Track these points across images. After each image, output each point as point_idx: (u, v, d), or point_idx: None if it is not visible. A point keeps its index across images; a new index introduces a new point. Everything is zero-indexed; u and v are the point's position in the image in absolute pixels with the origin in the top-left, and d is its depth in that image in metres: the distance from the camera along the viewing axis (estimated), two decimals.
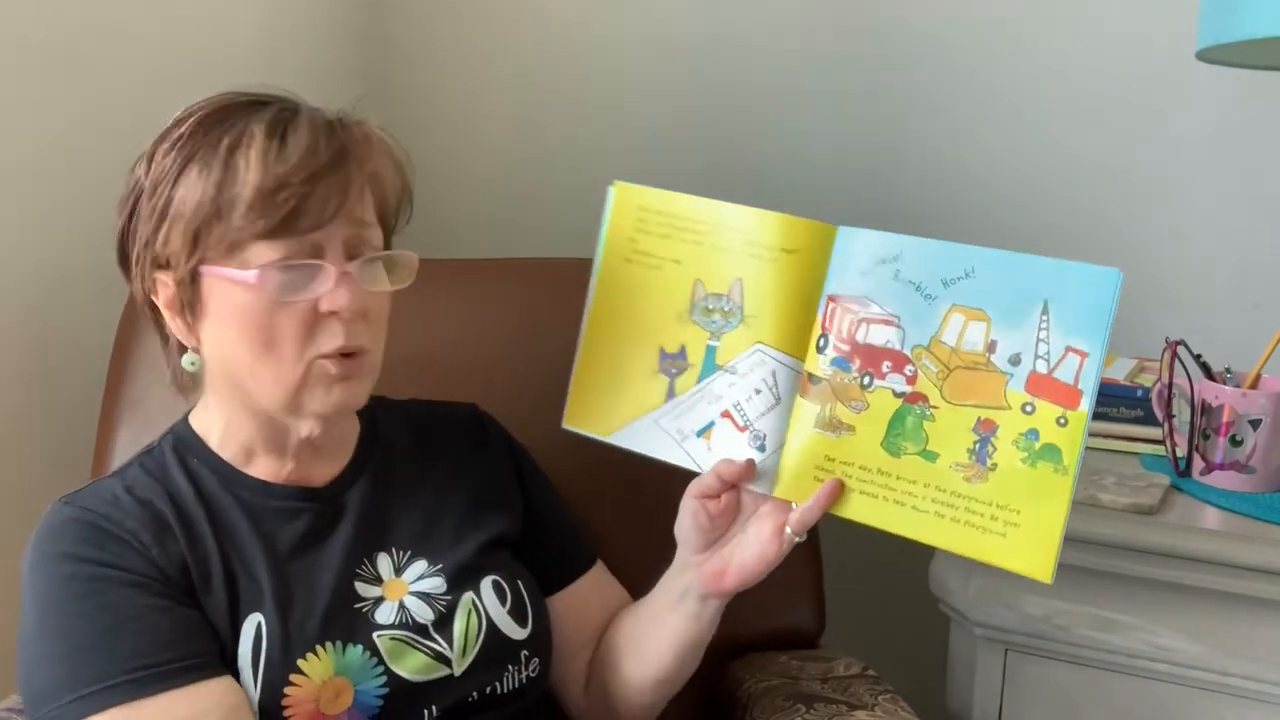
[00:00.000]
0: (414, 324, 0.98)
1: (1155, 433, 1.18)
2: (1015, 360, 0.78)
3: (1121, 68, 1.47)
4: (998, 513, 0.78)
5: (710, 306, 0.88)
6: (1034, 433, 0.77)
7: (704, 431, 0.88)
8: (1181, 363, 1.12)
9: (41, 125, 1.14)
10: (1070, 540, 1.03)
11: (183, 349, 0.84)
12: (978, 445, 0.79)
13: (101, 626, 0.76)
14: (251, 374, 0.80)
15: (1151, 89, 1.46)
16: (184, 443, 0.87)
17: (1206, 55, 1.21)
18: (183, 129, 0.80)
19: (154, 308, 0.84)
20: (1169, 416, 1.13)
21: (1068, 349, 0.77)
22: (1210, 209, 1.46)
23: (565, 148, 1.70)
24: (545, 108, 1.71)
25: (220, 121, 0.79)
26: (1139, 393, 1.22)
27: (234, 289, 0.78)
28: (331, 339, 0.79)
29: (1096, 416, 1.22)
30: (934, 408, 0.81)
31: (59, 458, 1.17)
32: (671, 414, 0.89)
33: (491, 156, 1.73)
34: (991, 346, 0.79)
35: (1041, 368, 0.78)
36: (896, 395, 0.82)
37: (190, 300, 0.80)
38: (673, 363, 0.90)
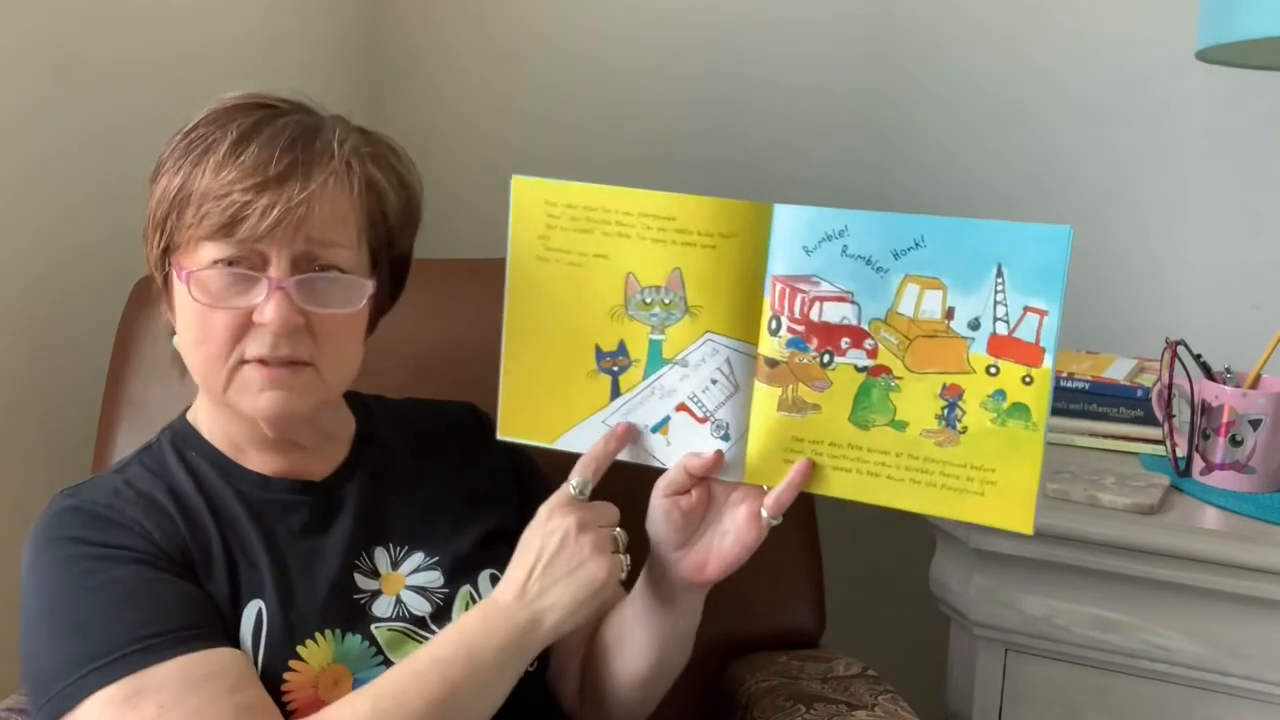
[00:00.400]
0: (415, 324, 0.98)
1: (1155, 433, 1.18)
2: (974, 324, 0.79)
3: (1121, 68, 1.47)
4: (973, 473, 0.79)
5: (648, 300, 0.86)
6: (1001, 394, 0.79)
7: (660, 427, 0.87)
8: (1181, 363, 1.12)
9: (42, 127, 1.14)
10: (1070, 540, 1.04)
11: (172, 331, 0.87)
12: (946, 411, 0.80)
13: (106, 602, 0.76)
14: (190, 361, 0.83)
15: (1151, 89, 1.46)
16: (181, 436, 0.88)
17: (1206, 55, 1.21)
18: (188, 126, 0.83)
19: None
20: (1169, 416, 1.13)
21: (1026, 309, 0.78)
22: (1210, 209, 1.46)
23: (566, 147, 1.70)
24: (545, 108, 1.71)
25: (218, 123, 0.82)
26: (1139, 393, 1.22)
27: (178, 285, 0.82)
28: (257, 346, 0.80)
29: (1096, 417, 1.24)
30: (898, 378, 0.81)
31: (59, 458, 1.17)
32: (620, 412, 0.87)
33: (491, 157, 1.73)
34: (949, 313, 0.80)
35: (1001, 329, 0.79)
36: (859, 370, 0.82)
37: (164, 287, 0.85)
38: (613, 360, 0.87)
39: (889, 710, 0.96)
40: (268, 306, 0.79)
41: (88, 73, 1.19)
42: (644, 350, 0.86)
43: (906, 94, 1.57)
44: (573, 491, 0.82)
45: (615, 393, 0.87)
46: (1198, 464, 1.13)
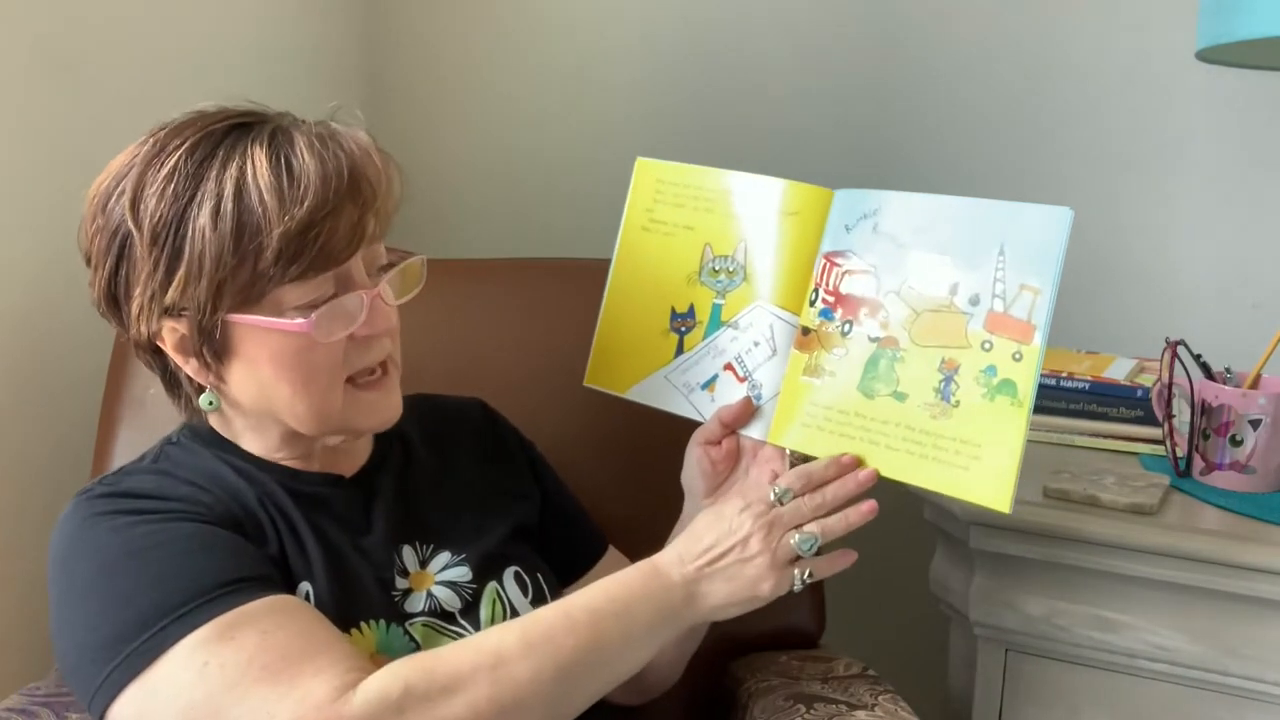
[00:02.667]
0: (414, 325, 0.98)
1: (1155, 433, 1.18)
2: (974, 300, 0.81)
3: (1121, 67, 1.47)
4: (961, 447, 0.81)
5: (717, 268, 0.94)
6: (992, 369, 0.80)
7: (708, 384, 0.93)
8: (1181, 363, 1.12)
9: (41, 125, 1.14)
10: (1070, 540, 1.04)
11: (198, 388, 0.81)
12: (942, 384, 0.82)
13: (180, 552, 0.72)
14: (289, 407, 0.79)
15: (1151, 89, 1.46)
16: (202, 436, 0.85)
17: (1206, 55, 1.21)
18: (167, 166, 0.75)
19: (154, 350, 0.80)
20: (1169, 416, 1.13)
21: (1022, 287, 0.80)
22: (1210, 209, 1.46)
23: (565, 147, 1.70)
24: (546, 107, 1.71)
25: (210, 154, 0.75)
26: (1139, 393, 1.22)
27: (270, 335, 0.76)
28: (364, 357, 0.80)
29: (1096, 417, 1.24)
30: (903, 350, 0.84)
31: (59, 458, 1.17)
32: (679, 369, 0.95)
33: (492, 156, 1.73)
34: (954, 289, 0.82)
35: (998, 306, 0.80)
36: (871, 340, 0.85)
37: (210, 346, 0.77)
38: (682, 321, 0.95)
39: (889, 710, 0.96)
40: (375, 318, 0.78)
41: (86, 75, 1.19)
42: (707, 313, 0.94)
43: (905, 93, 1.57)
44: (772, 497, 0.81)
45: (679, 351, 0.95)
46: (1198, 464, 1.13)
